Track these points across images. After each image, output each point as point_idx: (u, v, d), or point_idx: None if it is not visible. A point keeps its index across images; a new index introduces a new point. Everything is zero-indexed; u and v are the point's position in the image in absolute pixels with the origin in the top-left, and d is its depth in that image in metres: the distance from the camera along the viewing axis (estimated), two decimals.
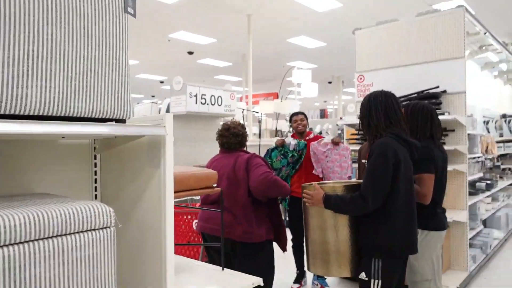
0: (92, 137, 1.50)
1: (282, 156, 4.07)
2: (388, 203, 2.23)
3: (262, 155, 3.90)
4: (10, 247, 0.90)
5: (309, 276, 4.33)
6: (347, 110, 9.71)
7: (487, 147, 5.12)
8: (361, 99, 2.58)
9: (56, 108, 1.02)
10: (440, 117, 3.93)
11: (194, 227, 3.81)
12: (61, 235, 1.00)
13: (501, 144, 6.44)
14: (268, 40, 11.64)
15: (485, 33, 4.66)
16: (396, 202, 2.23)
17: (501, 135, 6.55)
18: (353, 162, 4.34)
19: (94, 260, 1.06)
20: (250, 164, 2.85)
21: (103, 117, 1.12)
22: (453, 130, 4.21)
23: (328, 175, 4.03)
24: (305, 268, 4.20)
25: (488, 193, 5.06)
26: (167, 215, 1.31)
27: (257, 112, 8.71)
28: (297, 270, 4.31)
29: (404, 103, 3.23)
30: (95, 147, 1.58)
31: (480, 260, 4.66)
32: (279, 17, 9.83)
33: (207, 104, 5.08)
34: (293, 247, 4.21)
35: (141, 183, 1.38)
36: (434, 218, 2.76)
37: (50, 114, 1.02)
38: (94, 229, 1.07)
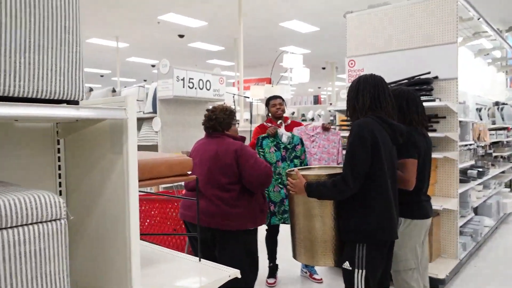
0: (37, 120, 1.38)
1: (275, 148, 3.71)
2: (365, 186, 2.19)
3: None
4: None
5: (298, 265, 4.25)
6: (340, 96, 9.63)
7: (479, 135, 5.06)
8: None
9: None
10: (431, 103, 3.86)
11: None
12: (1, 229, 0.89)
13: (493, 132, 6.40)
14: (260, 24, 11.44)
15: (478, 19, 4.55)
16: (374, 184, 2.19)
17: (493, 123, 6.51)
18: (344, 148, 4.24)
19: (42, 256, 0.96)
20: (243, 155, 2.77)
21: (52, 97, 1.01)
22: (444, 117, 4.13)
23: (311, 162, 3.88)
24: (278, 262, 4.08)
25: (479, 180, 5.03)
26: (131, 204, 1.22)
27: (248, 97, 8.59)
28: (269, 263, 4.05)
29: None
30: (57, 131, 1.47)
31: (470, 248, 4.63)
32: (270, 0, 9.63)
33: (195, 88, 4.94)
34: (266, 237, 3.99)
35: (104, 171, 1.28)
36: (418, 206, 2.69)
37: None
38: (41, 222, 0.96)
